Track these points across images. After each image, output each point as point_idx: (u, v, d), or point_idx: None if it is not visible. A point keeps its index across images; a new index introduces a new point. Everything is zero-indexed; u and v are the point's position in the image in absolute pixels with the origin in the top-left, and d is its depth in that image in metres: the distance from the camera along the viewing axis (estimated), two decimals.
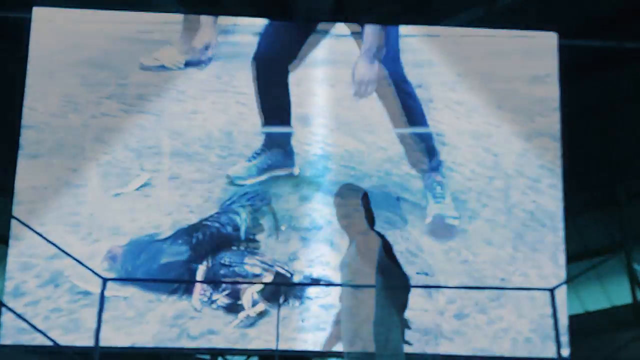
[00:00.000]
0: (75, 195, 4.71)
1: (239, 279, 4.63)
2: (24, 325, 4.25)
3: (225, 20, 5.12)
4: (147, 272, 4.64)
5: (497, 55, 5.19)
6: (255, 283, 4.61)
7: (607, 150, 5.46)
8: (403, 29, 5.19)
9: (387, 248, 3.21)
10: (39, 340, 4.36)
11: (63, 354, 4.44)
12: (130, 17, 5.07)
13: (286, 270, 4.70)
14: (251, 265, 4.69)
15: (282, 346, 4.36)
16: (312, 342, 4.48)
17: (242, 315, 4.55)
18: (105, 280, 4.23)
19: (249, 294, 4.61)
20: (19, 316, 4.21)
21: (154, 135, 4.89)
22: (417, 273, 4.63)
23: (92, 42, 5.03)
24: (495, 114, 5.06)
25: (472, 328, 4.58)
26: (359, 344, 3.10)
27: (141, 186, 4.78)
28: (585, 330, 4.97)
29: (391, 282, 3.17)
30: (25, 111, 4.81)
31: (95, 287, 4.40)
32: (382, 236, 3.24)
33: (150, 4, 5.13)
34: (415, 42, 5.20)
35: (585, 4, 5.24)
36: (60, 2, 4.97)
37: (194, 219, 4.74)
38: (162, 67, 5.01)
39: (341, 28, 5.18)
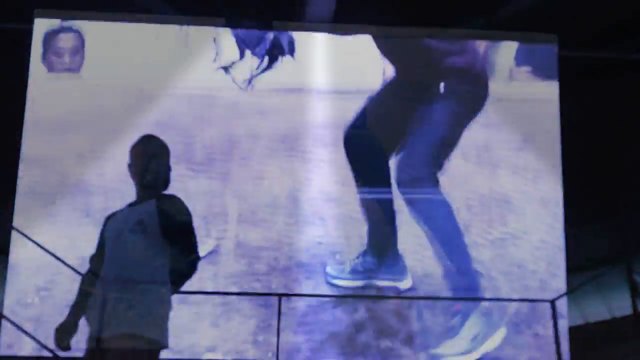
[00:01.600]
0: None
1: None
2: (24, 336, 4.24)
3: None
4: None
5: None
6: (258, 294, 4.57)
7: (607, 162, 5.46)
8: None
9: (187, 217, 2.82)
10: (39, 351, 4.32)
11: None
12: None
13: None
14: None
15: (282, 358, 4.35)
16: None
17: None
18: None
19: None
20: (19, 327, 4.20)
21: (221, 201, 4.65)
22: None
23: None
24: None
25: None
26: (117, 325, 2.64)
27: (208, 253, 4.59)
28: (586, 342, 4.97)
29: (181, 255, 2.77)
30: None
31: None
32: (182, 202, 2.84)
33: (151, 11, 5.10)
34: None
35: (587, 14, 5.24)
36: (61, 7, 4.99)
37: (259, 287, 4.56)
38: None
39: None
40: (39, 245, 4.31)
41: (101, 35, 4.97)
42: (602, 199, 5.39)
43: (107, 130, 4.70)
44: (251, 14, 5.15)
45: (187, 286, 2.83)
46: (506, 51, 5.16)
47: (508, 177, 4.82)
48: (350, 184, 4.71)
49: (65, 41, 4.95)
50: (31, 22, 4.95)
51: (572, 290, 4.90)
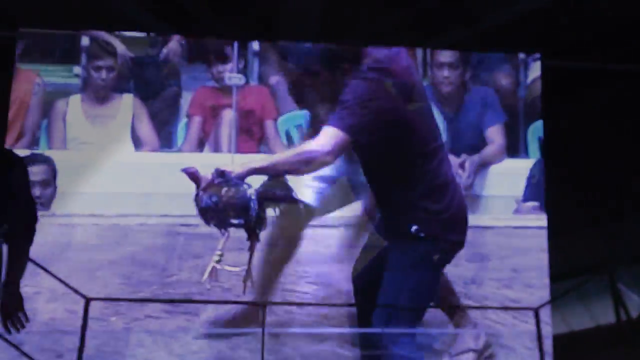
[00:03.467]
0: None
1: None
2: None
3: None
4: None
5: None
6: (240, 303, 4.53)
7: (590, 171, 5.50)
8: None
9: (25, 172, 2.59)
10: None
11: None
12: None
13: None
14: None
15: None
16: None
17: None
18: (88, 300, 4.23)
19: None
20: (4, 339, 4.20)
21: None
22: None
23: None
24: None
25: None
26: None
27: None
28: (570, 350, 4.98)
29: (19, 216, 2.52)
30: None
31: None
32: (20, 157, 2.64)
33: (130, 22, 5.09)
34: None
35: (570, 25, 5.29)
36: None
37: None
38: None
39: None
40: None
41: (73, 165, 4.56)
42: (585, 207, 5.42)
43: (81, 268, 4.37)
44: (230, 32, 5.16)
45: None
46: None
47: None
48: None
49: (36, 174, 4.51)
50: None
51: (556, 298, 4.91)
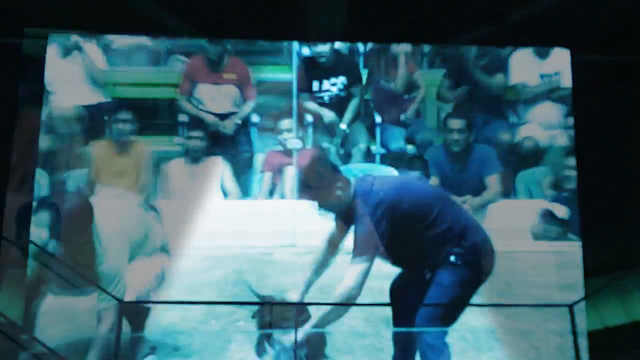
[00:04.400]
0: None
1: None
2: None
3: None
4: None
5: None
6: (274, 304, 4.54)
7: (623, 165, 5.44)
8: None
9: None
10: None
11: None
12: None
13: None
14: None
15: None
16: None
17: None
18: (121, 303, 4.26)
19: None
20: (39, 342, 4.23)
21: None
22: None
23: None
24: None
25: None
26: None
27: None
28: (605, 347, 4.92)
29: None
30: None
31: None
32: None
33: (161, 26, 5.14)
34: None
35: (598, 19, 5.24)
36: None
37: None
38: None
39: None
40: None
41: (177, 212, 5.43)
42: (620, 200, 5.36)
43: (187, 287, 5.11)
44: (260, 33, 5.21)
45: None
46: None
47: None
48: None
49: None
50: None
51: (591, 294, 4.87)
